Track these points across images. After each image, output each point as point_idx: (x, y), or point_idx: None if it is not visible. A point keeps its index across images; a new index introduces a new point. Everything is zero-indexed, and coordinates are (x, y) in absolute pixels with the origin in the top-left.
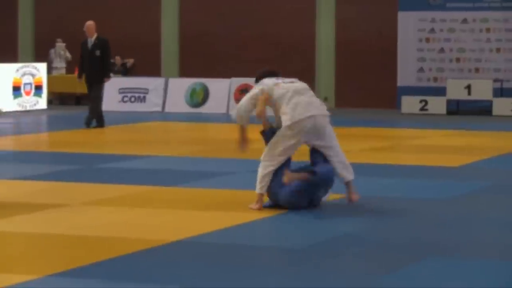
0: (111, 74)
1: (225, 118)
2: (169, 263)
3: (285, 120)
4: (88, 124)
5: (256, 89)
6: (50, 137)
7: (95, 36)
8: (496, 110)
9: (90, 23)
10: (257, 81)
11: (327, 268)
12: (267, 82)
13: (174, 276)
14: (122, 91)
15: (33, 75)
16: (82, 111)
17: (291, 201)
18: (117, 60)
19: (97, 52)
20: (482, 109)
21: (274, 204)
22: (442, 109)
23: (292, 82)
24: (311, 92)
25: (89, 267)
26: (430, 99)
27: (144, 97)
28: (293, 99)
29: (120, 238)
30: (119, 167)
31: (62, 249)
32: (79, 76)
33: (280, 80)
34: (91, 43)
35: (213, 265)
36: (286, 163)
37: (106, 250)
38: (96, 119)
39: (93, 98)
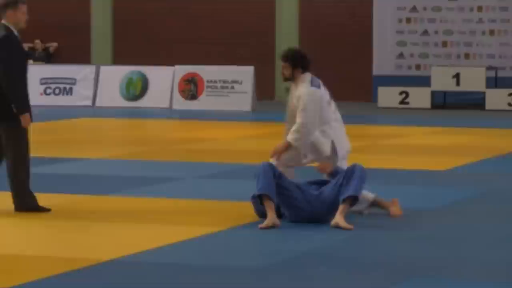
0: (31, 62)
1: (167, 113)
2: (102, 287)
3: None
4: None
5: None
6: None
7: None
8: (489, 104)
9: None
10: (298, 66)
11: None
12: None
13: None
14: (45, 81)
15: None
16: None
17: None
18: (37, 44)
19: None
20: (473, 102)
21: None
22: (426, 103)
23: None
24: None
25: None
26: (412, 90)
27: (71, 89)
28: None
29: (41, 257)
30: (40, 172)
31: None
32: None
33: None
34: None
35: None
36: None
37: (23, 272)
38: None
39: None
